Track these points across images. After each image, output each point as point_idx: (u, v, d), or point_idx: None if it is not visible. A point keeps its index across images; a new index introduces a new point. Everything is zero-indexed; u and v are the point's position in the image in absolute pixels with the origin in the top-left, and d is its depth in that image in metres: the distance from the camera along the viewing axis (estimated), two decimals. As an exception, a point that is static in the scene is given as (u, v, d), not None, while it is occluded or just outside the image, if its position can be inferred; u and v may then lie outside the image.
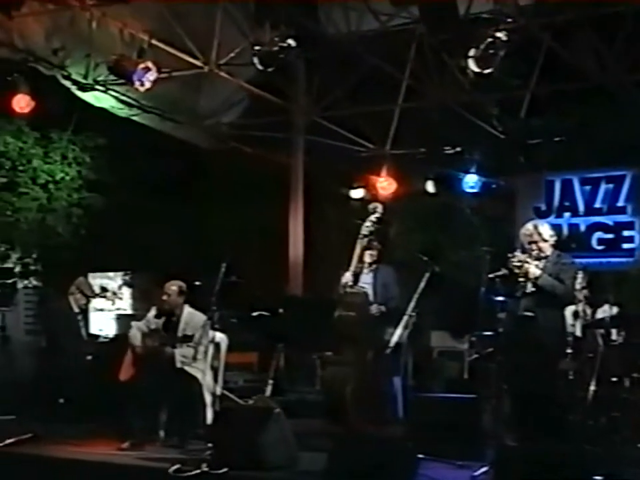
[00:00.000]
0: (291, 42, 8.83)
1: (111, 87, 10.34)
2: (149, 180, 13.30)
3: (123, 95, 10.57)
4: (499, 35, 8.00)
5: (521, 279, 7.15)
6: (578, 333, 7.51)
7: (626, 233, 11.98)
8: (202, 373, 7.68)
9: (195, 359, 7.68)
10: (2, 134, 11.83)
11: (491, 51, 8.04)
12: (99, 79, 10.19)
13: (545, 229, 7.33)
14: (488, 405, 7.29)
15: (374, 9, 9.81)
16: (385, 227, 9.34)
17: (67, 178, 12.47)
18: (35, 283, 11.94)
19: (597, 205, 12.19)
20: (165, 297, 7.97)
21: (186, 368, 7.68)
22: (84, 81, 10.22)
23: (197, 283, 8.52)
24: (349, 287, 8.06)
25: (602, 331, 7.86)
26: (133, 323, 8.19)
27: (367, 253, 8.41)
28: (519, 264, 7.11)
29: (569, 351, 7.03)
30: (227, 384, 8.58)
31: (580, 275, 7.12)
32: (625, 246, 11.98)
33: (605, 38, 9.66)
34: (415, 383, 9.19)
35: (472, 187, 12.06)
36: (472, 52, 8.10)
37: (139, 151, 12.95)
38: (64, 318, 9.17)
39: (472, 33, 8.17)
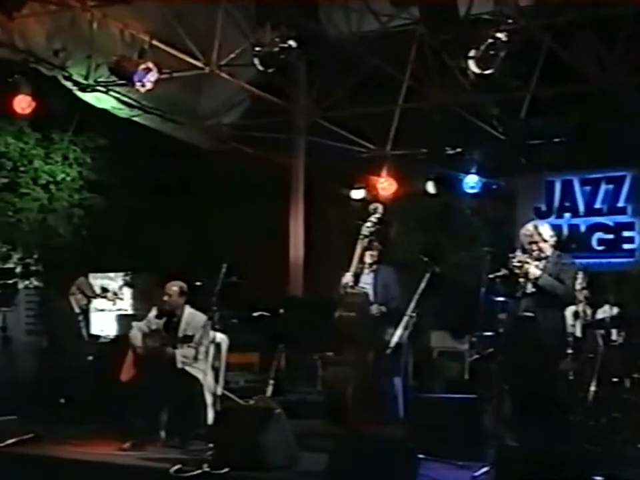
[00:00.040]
0: (292, 43, 8.83)
1: (111, 87, 10.35)
2: (150, 180, 13.31)
3: (124, 95, 10.58)
4: (499, 35, 8.00)
5: (521, 280, 7.15)
6: (578, 333, 7.52)
7: (626, 234, 11.99)
8: (203, 373, 7.69)
9: (195, 359, 7.69)
10: (3, 135, 11.84)
11: (492, 52, 8.04)
12: (100, 79, 10.20)
13: (545, 230, 7.32)
14: (488, 405, 7.30)
15: (374, 9, 9.83)
16: (385, 228, 9.33)
17: (68, 178, 12.47)
18: (36, 283, 11.95)
19: (597, 205, 12.20)
20: (165, 298, 7.98)
21: (187, 368, 7.69)
22: (85, 82, 10.24)
23: (198, 284, 8.52)
24: (349, 288, 8.07)
25: (602, 331, 7.87)
26: (134, 324, 8.19)
27: (368, 253, 8.42)
28: (519, 264, 7.11)
29: (569, 351, 7.03)
30: (228, 384, 8.57)
31: (580, 276, 7.13)
32: (625, 246, 11.99)
33: (605, 39, 9.67)
34: (416, 384, 9.21)
35: (472, 188, 12.06)
36: (472, 53, 8.10)
37: (140, 152, 12.95)
38: (65, 318, 9.18)
39: (472, 33, 8.17)
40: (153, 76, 9.17)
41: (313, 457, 6.59)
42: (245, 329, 10.35)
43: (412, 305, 8.09)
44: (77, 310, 9.23)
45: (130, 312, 11.83)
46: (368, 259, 8.47)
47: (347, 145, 12.38)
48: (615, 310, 8.09)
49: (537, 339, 6.99)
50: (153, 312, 8.09)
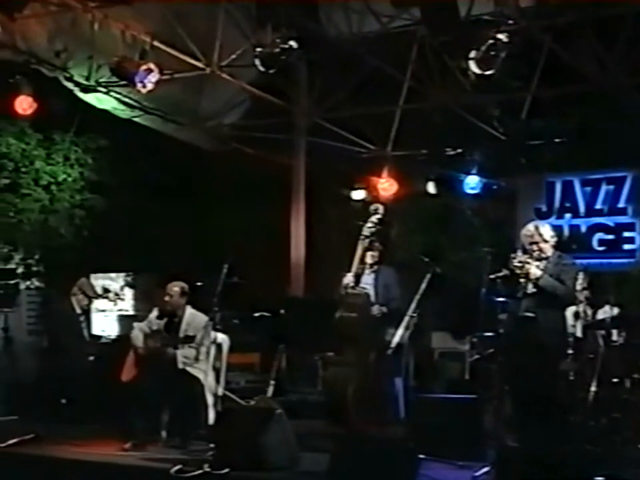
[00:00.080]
0: (293, 43, 8.84)
1: (113, 88, 10.35)
2: (151, 181, 13.31)
3: (125, 96, 10.58)
4: (500, 36, 8.00)
5: (522, 280, 7.14)
6: (579, 333, 7.54)
7: (626, 234, 11.99)
8: (204, 373, 7.70)
9: (196, 359, 7.70)
10: (5, 135, 11.84)
11: (492, 53, 8.04)
12: (101, 80, 10.19)
13: (546, 230, 7.33)
14: (489, 405, 7.31)
15: (375, 10, 9.83)
16: (386, 228, 9.34)
17: (69, 179, 12.48)
18: (37, 284, 11.94)
19: (598, 206, 12.20)
20: (166, 298, 7.99)
21: (188, 369, 7.70)
22: (86, 83, 10.23)
23: (199, 284, 8.54)
24: (350, 288, 8.08)
25: (603, 331, 7.88)
26: (135, 324, 8.21)
27: (368, 253, 8.44)
28: (519, 265, 7.11)
29: (569, 351, 7.06)
30: (229, 384, 8.58)
31: (581, 276, 7.14)
32: (626, 247, 11.98)
33: (605, 40, 9.67)
34: (416, 384, 9.19)
35: (473, 188, 12.07)
36: (473, 53, 8.10)
37: (141, 153, 12.96)
38: (66, 319, 9.19)
39: (473, 34, 8.17)
40: (154, 77, 9.17)
41: (314, 457, 6.61)
42: (246, 329, 10.37)
43: (413, 306, 8.08)
44: (78, 310, 9.25)
45: (131, 312, 11.83)
46: (369, 260, 8.48)
47: (348, 146, 12.38)
48: (616, 310, 8.09)
49: (537, 339, 6.99)
50: (154, 312, 8.11)
